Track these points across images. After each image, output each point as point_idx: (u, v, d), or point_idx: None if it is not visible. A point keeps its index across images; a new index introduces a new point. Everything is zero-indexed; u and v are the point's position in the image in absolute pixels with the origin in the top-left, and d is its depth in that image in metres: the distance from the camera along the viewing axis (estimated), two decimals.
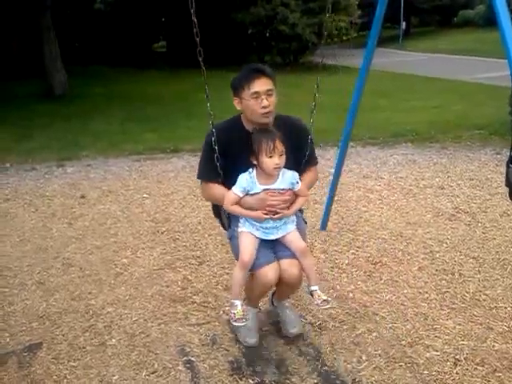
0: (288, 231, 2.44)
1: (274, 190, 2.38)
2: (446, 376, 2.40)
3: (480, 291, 3.14)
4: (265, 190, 2.38)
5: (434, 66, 19.18)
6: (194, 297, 3.16)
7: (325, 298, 2.44)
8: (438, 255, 3.64)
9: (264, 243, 2.43)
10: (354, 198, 4.86)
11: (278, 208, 2.37)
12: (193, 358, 2.59)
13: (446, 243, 3.84)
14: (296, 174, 2.45)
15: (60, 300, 3.16)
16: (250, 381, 2.42)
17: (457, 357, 2.53)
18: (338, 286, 3.24)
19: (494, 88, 12.13)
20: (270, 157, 2.30)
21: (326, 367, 2.50)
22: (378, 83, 11.88)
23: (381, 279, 3.33)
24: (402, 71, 17.41)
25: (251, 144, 2.35)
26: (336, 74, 15.01)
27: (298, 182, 2.43)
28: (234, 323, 2.42)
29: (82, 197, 5.04)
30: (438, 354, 2.56)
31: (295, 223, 2.49)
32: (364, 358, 2.56)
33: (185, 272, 3.49)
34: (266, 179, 2.37)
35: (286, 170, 2.40)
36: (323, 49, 16.39)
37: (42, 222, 4.43)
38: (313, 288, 2.47)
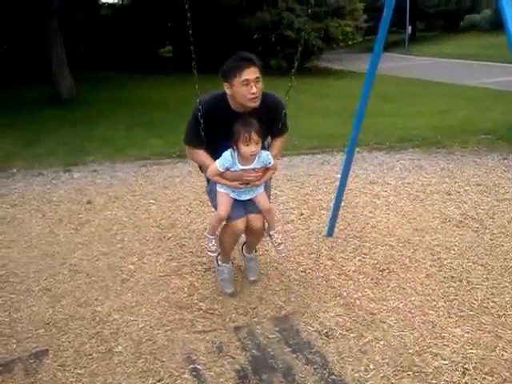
0: (257, 193, 2.98)
1: (250, 169, 2.86)
2: None
3: (488, 298, 3.12)
4: (242, 169, 2.83)
5: (439, 71, 19.14)
6: (201, 303, 3.16)
7: (279, 241, 3.10)
8: (445, 262, 3.62)
9: (237, 201, 2.96)
10: (360, 204, 4.84)
11: (251, 181, 2.89)
12: (199, 366, 2.57)
13: (454, 250, 3.81)
14: (269, 155, 2.90)
15: (66, 306, 3.16)
16: None
17: (465, 366, 2.50)
18: (344, 293, 3.23)
19: (501, 93, 12.11)
20: (247, 145, 2.73)
21: (334, 376, 2.48)
22: (384, 88, 11.86)
23: (388, 286, 3.31)
24: (408, 76, 17.34)
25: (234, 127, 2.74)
26: (343, 78, 15.00)
27: (270, 162, 2.90)
28: (210, 253, 3.11)
29: (89, 202, 5.04)
30: (447, 362, 2.54)
31: (263, 187, 3.02)
32: (371, 366, 2.54)
33: (191, 278, 3.48)
34: (244, 161, 2.83)
35: (261, 151, 2.85)
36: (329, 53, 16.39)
37: (49, 227, 4.44)
38: (271, 232, 3.11)
